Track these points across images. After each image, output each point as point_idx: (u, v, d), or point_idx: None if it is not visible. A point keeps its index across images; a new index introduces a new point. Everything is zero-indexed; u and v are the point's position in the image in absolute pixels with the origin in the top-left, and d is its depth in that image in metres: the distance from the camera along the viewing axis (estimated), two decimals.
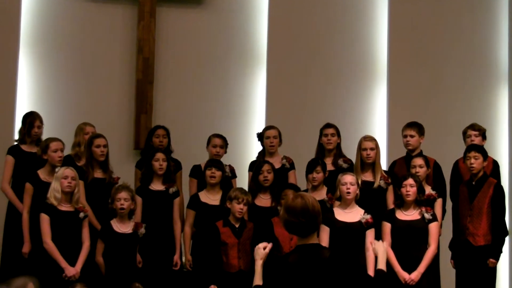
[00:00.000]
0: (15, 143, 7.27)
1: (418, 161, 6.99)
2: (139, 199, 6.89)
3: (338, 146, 7.43)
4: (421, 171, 6.93)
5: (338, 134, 7.42)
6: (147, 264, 6.77)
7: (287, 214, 4.09)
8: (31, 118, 7.23)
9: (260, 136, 7.58)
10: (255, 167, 7.21)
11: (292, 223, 4.07)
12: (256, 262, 4.34)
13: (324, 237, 6.41)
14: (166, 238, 6.90)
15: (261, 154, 7.60)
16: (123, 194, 6.59)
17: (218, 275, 6.62)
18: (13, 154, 7.13)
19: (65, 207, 6.52)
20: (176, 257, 6.87)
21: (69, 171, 6.56)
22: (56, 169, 6.65)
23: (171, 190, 7.00)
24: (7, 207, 7.08)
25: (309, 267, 4.00)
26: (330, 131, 7.40)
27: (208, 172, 6.98)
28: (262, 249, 4.36)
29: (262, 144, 7.58)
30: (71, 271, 6.38)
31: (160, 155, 7.02)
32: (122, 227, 6.60)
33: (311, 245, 4.08)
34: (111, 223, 6.59)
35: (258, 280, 4.24)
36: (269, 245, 4.40)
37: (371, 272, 6.47)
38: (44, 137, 7.18)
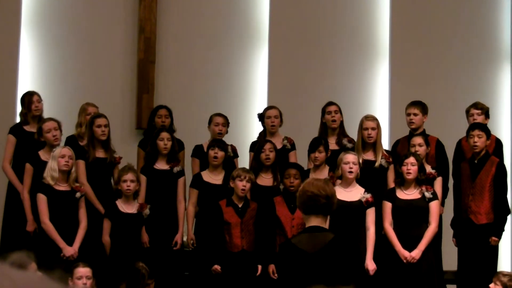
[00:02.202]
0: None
1: (418, 139, 6.96)
2: (143, 178, 6.90)
3: (341, 124, 7.41)
4: (421, 150, 6.89)
5: (340, 111, 7.39)
6: (151, 243, 6.79)
7: (307, 187, 4.13)
8: (28, 96, 7.24)
9: (261, 116, 7.56)
10: (257, 146, 7.20)
11: (310, 197, 4.12)
12: None
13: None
14: (170, 217, 6.91)
15: (261, 135, 7.58)
16: (129, 176, 6.59)
17: (221, 254, 6.63)
18: (14, 134, 7.14)
19: (62, 187, 6.53)
20: (177, 237, 6.88)
21: (66, 150, 6.57)
22: (54, 149, 6.65)
23: (176, 169, 7.00)
24: (7, 187, 7.11)
25: (314, 248, 4.03)
26: (333, 108, 7.36)
27: (211, 152, 6.97)
28: None
29: (263, 125, 7.56)
30: (69, 250, 6.40)
31: (165, 135, 7.02)
32: (127, 208, 6.61)
33: (317, 227, 4.11)
34: (116, 203, 6.61)
35: None
36: None
37: (370, 251, 6.51)
38: (45, 116, 7.18)
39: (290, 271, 4.05)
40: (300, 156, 7.40)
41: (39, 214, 6.45)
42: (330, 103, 7.40)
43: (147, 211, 6.68)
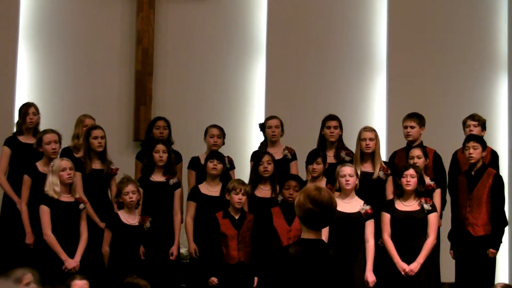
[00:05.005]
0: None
1: (416, 151, 6.97)
2: (140, 190, 6.90)
3: (340, 138, 7.40)
4: (419, 162, 6.90)
5: (340, 126, 7.38)
6: (147, 255, 6.78)
7: (311, 204, 3.98)
8: (25, 107, 7.24)
9: (262, 126, 7.56)
10: (255, 158, 7.21)
11: (314, 214, 4.00)
12: None
13: (324, 232, 6.37)
14: (167, 229, 6.90)
15: (263, 145, 7.58)
16: (130, 187, 6.59)
17: (218, 266, 6.62)
18: (9, 145, 7.13)
19: (65, 198, 6.52)
20: (173, 248, 6.86)
21: (65, 163, 6.56)
22: (51, 163, 6.63)
23: (172, 181, 6.99)
24: (3, 198, 7.10)
25: (312, 262, 3.97)
26: (333, 123, 7.35)
27: (210, 164, 6.96)
28: None
29: (264, 135, 7.56)
30: (71, 263, 6.38)
31: (160, 147, 7.01)
32: (129, 219, 6.61)
33: (316, 241, 4.05)
34: (118, 214, 6.60)
35: None
36: None
37: (369, 263, 6.50)
38: (43, 127, 7.18)
39: (285, 284, 4.00)
40: (298, 167, 7.40)
41: (41, 226, 6.42)
42: (331, 118, 7.37)
43: (148, 224, 6.68)
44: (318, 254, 3.99)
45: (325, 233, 6.36)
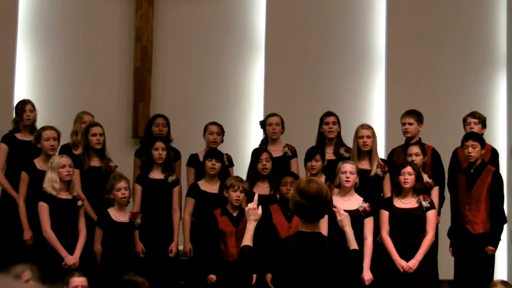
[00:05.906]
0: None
1: (414, 149, 6.98)
2: (138, 188, 6.90)
3: (339, 134, 7.42)
4: (418, 159, 6.91)
5: (338, 122, 7.41)
6: (146, 252, 6.78)
7: (299, 197, 4.00)
8: (22, 104, 7.25)
9: (263, 124, 7.57)
10: (253, 156, 7.21)
11: (303, 207, 4.00)
12: (249, 222, 4.29)
13: (323, 224, 6.39)
14: (165, 226, 6.90)
15: (263, 142, 7.59)
16: (123, 184, 6.59)
17: (216, 264, 6.62)
18: (6, 142, 7.14)
19: (63, 195, 6.52)
20: (172, 245, 6.86)
21: (65, 160, 6.56)
22: (51, 159, 6.64)
23: (171, 178, 7.00)
24: (0, 195, 7.10)
25: (310, 255, 3.98)
26: (332, 119, 7.38)
27: (208, 163, 6.97)
28: (255, 210, 4.30)
29: (265, 132, 7.57)
30: (71, 259, 6.38)
31: (159, 144, 7.01)
32: (120, 216, 6.61)
33: (314, 233, 4.05)
34: (108, 212, 6.59)
35: (248, 240, 4.19)
36: (258, 207, 4.32)
37: (367, 261, 6.50)
38: (40, 124, 7.18)
39: (284, 275, 4.01)
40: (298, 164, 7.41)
41: (40, 222, 6.42)
42: (329, 114, 7.41)
43: (138, 220, 6.68)
44: (315, 246, 4.01)
45: (324, 230, 6.37)
